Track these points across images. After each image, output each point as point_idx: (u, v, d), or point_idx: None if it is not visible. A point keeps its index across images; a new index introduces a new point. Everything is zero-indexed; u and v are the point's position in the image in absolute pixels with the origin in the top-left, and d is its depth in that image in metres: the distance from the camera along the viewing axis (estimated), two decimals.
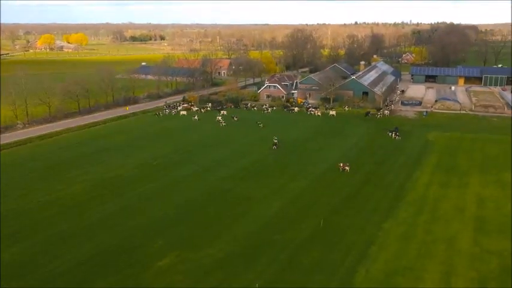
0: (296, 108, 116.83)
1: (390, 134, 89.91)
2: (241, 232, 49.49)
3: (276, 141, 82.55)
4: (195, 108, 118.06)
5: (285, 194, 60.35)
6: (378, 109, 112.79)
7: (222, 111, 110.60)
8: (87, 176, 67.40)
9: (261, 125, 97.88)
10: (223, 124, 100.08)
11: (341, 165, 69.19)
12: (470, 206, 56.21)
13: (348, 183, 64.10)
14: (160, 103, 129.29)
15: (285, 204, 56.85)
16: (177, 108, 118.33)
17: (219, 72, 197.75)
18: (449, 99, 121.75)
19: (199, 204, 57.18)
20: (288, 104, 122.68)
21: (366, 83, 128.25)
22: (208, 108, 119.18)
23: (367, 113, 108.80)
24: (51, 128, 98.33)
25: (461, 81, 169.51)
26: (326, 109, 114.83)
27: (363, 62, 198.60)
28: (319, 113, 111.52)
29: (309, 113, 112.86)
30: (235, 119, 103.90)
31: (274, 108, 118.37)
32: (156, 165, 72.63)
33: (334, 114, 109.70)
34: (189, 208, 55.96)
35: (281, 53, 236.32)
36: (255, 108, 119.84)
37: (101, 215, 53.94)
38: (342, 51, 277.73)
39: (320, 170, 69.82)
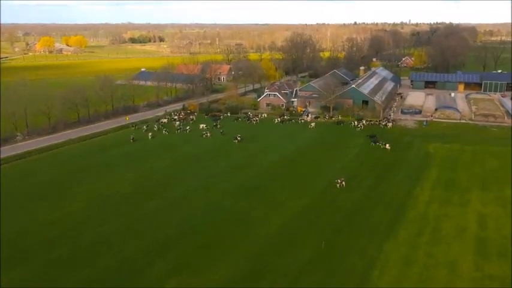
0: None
1: (374, 143, 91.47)
2: (242, 255, 49.33)
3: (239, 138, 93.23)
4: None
5: (286, 212, 60.20)
6: (378, 121, 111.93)
7: (217, 123, 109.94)
8: (87, 194, 67.24)
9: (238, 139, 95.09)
10: (208, 135, 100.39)
11: (338, 181, 69.08)
12: (471, 226, 56.08)
13: (348, 200, 63.99)
14: (160, 112, 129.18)
15: (285, 223, 56.72)
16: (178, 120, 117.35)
17: (218, 78, 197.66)
18: (449, 108, 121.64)
19: (199, 223, 57.06)
20: (285, 117, 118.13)
21: (365, 92, 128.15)
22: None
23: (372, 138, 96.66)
24: (51, 140, 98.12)
25: (461, 87, 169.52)
26: (326, 119, 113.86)
27: (362, 68, 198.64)
28: (312, 124, 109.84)
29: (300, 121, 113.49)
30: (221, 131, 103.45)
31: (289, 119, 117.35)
32: (156, 180, 72.55)
33: (313, 125, 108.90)
34: (189, 228, 55.81)
35: (280, 56, 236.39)
36: (256, 119, 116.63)
37: (100, 237, 53.74)
38: (342, 54, 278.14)
39: (320, 186, 69.66)
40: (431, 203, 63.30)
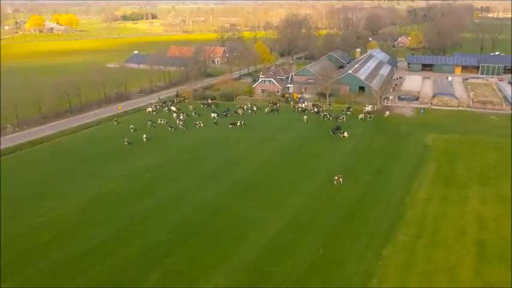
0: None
1: (333, 134, 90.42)
2: (238, 263, 48.28)
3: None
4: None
5: (282, 213, 59.07)
6: (370, 112, 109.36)
7: (212, 114, 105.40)
8: (79, 192, 65.74)
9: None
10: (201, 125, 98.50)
11: (335, 178, 67.84)
12: (471, 227, 55.25)
13: (345, 199, 62.92)
14: (153, 99, 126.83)
15: (282, 227, 55.59)
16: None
17: (213, 61, 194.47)
18: (446, 94, 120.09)
19: (195, 226, 55.85)
20: (275, 107, 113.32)
21: (362, 77, 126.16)
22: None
23: (335, 130, 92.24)
24: (42, 131, 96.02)
25: (458, 70, 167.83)
26: (317, 113, 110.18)
27: (358, 49, 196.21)
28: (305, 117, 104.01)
29: (296, 110, 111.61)
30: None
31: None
32: (149, 178, 71.05)
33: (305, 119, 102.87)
34: (184, 232, 54.58)
35: (275, 35, 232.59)
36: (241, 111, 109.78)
37: (93, 242, 52.47)
38: (338, 33, 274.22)
39: (317, 183, 68.43)
40: (429, 200, 62.35)
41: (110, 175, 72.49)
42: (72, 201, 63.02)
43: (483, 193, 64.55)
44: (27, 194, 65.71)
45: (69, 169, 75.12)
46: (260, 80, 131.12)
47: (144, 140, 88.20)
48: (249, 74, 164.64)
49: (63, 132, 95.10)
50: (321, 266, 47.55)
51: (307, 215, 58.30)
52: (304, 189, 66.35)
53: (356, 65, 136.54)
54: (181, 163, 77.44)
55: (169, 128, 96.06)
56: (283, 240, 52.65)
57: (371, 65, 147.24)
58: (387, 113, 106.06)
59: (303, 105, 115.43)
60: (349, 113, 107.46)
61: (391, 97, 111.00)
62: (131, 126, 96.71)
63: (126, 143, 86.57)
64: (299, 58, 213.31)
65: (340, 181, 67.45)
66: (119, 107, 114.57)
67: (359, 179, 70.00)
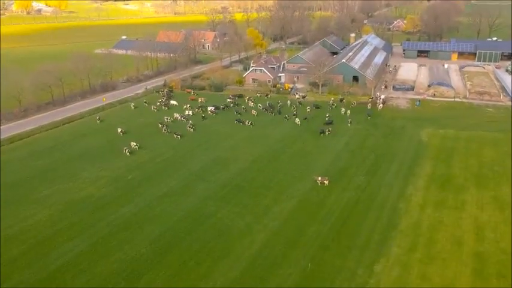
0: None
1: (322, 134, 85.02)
2: (222, 280, 45.19)
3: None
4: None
5: (269, 221, 55.80)
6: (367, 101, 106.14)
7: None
8: (56, 198, 62.14)
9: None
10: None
11: (319, 179, 64.68)
12: (468, 237, 52.29)
13: (336, 205, 59.72)
14: (140, 89, 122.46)
15: (269, 238, 52.36)
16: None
17: (203, 46, 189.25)
18: (442, 85, 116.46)
19: (176, 237, 52.48)
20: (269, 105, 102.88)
21: (356, 66, 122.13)
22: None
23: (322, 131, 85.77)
24: (22, 126, 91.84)
25: (454, 56, 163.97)
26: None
27: (353, 35, 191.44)
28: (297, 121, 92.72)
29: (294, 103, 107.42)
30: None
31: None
32: (131, 180, 67.49)
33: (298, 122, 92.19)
34: (164, 245, 51.24)
35: (268, 15, 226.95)
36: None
37: (69, 256, 49.16)
38: (332, 15, 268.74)
39: (306, 185, 65.07)
40: (425, 206, 59.29)
41: (90, 177, 68.84)
42: (47, 208, 59.49)
43: (480, 197, 61.57)
44: None
45: (47, 170, 71.39)
46: (251, 69, 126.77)
47: (135, 147, 79.87)
48: (240, 61, 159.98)
49: (43, 127, 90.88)
50: (309, 285, 44.52)
51: (296, 224, 55.06)
52: (293, 192, 63.06)
53: (350, 53, 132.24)
54: (166, 163, 73.84)
55: (175, 136, 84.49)
56: (270, 254, 49.47)
57: (365, 52, 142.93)
58: (380, 106, 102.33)
59: (296, 95, 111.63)
60: (343, 109, 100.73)
61: (382, 96, 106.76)
62: (119, 130, 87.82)
63: (127, 153, 76.75)
64: (292, 43, 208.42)
65: (324, 183, 64.19)
66: (103, 99, 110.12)
67: (351, 180, 66.77)
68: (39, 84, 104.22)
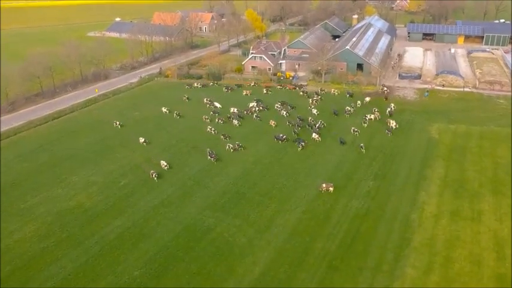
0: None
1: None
2: None
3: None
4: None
5: (273, 237, 51.69)
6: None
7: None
8: (43, 208, 57.85)
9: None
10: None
11: (323, 186, 60.41)
12: (488, 256, 48.32)
13: (344, 216, 55.56)
14: (134, 77, 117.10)
15: (273, 257, 48.32)
16: None
17: (200, 28, 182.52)
18: (451, 73, 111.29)
19: (172, 258, 48.36)
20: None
21: (361, 53, 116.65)
22: None
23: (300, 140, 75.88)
24: (8, 121, 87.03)
25: (461, 39, 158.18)
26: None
27: (355, 16, 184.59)
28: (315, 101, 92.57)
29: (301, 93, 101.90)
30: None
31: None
32: (124, 186, 63.12)
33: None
34: (161, 265, 47.27)
35: None
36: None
37: (56, 280, 45.23)
38: None
39: (311, 193, 60.73)
40: (439, 217, 55.24)
41: (80, 182, 64.48)
42: (34, 221, 55.33)
43: (498, 206, 57.48)
44: None
45: (33, 174, 66.89)
46: (250, 56, 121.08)
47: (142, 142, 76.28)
48: (239, 45, 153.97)
49: (31, 123, 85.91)
50: None
51: (301, 240, 51.00)
52: (297, 201, 58.82)
53: (354, 39, 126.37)
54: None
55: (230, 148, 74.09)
56: (274, 276, 45.54)
57: (369, 37, 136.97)
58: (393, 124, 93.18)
59: (314, 98, 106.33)
60: (352, 106, 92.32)
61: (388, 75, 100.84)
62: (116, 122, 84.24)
63: (154, 177, 64.86)
64: (292, 24, 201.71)
65: (329, 190, 60.00)
66: (96, 90, 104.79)
67: (359, 186, 62.50)
68: (27, 75, 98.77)
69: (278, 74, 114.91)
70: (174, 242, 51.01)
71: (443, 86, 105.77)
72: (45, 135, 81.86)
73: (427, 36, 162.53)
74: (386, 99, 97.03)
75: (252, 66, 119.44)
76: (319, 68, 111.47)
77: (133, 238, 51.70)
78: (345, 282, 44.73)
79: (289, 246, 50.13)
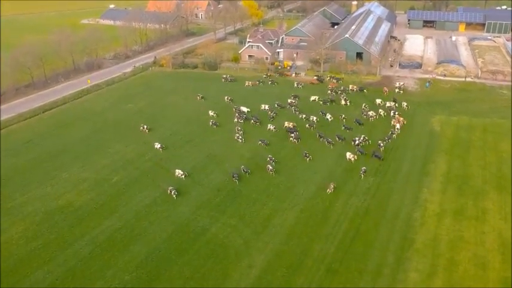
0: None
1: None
2: None
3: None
4: None
5: (270, 238, 49.69)
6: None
7: None
8: (31, 207, 55.62)
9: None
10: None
11: (332, 186, 57.83)
12: (493, 258, 46.47)
13: (344, 215, 53.55)
14: (128, 67, 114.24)
15: (270, 259, 46.34)
16: None
17: (196, 15, 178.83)
18: (452, 62, 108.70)
19: (164, 261, 46.28)
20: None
21: (360, 42, 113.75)
22: None
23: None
24: None
25: (462, 27, 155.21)
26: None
27: (354, 2, 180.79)
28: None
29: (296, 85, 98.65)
30: None
31: None
32: (116, 183, 60.89)
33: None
34: (153, 268, 45.24)
35: None
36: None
37: (42, 287, 43.20)
38: None
39: (309, 189, 58.67)
40: (442, 216, 53.31)
41: (70, 179, 62.23)
42: (22, 221, 53.16)
43: (502, 204, 55.60)
44: None
45: (22, 170, 64.52)
46: (247, 45, 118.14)
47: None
48: (235, 33, 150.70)
49: (21, 115, 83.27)
50: None
51: (299, 242, 49.04)
52: (295, 199, 56.75)
53: (353, 27, 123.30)
54: (155, 160, 67.05)
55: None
56: (271, 281, 43.61)
57: (369, 24, 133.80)
58: (386, 90, 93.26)
59: (293, 75, 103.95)
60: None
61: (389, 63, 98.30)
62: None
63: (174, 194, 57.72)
64: (290, 11, 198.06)
65: (332, 189, 57.58)
66: (88, 81, 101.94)
67: (358, 183, 60.39)
68: (17, 65, 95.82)
69: (275, 63, 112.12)
70: (166, 243, 48.97)
71: (444, 75, 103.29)
72: (35, 128, 79.37)
73: (428, 23, 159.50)
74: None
75: (249, 55, 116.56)
76: (318, 57, 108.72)
77: (124, 239, 49.65)
78: (344, 287, 42.86)
79: (287, 248, 48.19)
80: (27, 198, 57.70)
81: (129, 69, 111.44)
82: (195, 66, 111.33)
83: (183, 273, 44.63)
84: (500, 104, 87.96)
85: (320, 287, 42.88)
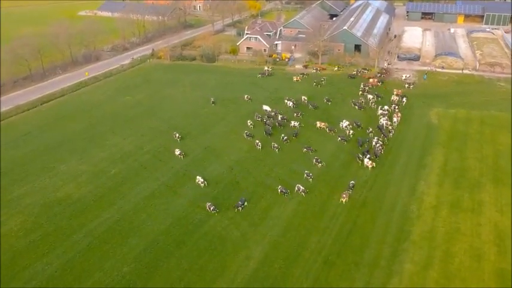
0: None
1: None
2: None
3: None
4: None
5: (267, 230, 50.02)
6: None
7: None
8: (29, 199, 55.89)
9: None
10: None
11: (344, 196, 54.86)
12: (489, 250, 46.84)
13: (341, 207, 53.90)
14: (126, 59, 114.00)
15: (267, 252, 46.70)
16: None
17: (194, 7, 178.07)
18: (450, 54, 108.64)
19: (162, 253, 46.65)
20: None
21: (359, 34, 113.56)
22: None
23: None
24: None
25: (460, 19, 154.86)
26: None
27: None
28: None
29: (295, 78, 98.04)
30: None
31: None
32: (114, 176, 61.09)
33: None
34: (151, 261, 45.58)
35: None
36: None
37: (41, 278, 43.54)
38: None
39: (307, 184, 58.78)
40: (439, 208, 53.63)
41: (68, 171, 62.42)
42: (20, 213, 53.44)
43: (498, 196, 55.88)
44: None
45: (20, 163, 64.70)
46: (245, 37, 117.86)
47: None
48: (234, 25, 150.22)
49: (19, 108, 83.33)
50: None
51: (296, 234, 49.37)
52: (293, 191, 57.00)
53: (352, 19, 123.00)
54: (153, 152, 67.20)
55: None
56: (268, 273, 43.98)
57: (367, 17, 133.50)
58: (399, 92, 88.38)
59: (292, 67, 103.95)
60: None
61: (387, 58, 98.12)
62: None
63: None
64: (288, 2, 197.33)
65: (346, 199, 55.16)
66: (86, 73, 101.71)
67: (356, 175, 60.58)
68: (15, 58, 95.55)
69: (273, 55, 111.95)
70: (164, 235, 49.30)
71: (442, 68, 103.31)
72: (33, 120, 79.44)
73: (426, 15, 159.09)
74: (382, 83, 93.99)
75: (247, 47, 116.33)
76: (316, 49, 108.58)
77: (122, 232, 49.96)
78: (341, 279, 43.29)
79: (284, 240, 48.52)
80: (26, 191, 57.93)
81: (127, 62, 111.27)
82: (193, 59, 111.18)
83: (181, 265, 44.99)
84: (498, 97, 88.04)
85: (317, 279, 43.23)
